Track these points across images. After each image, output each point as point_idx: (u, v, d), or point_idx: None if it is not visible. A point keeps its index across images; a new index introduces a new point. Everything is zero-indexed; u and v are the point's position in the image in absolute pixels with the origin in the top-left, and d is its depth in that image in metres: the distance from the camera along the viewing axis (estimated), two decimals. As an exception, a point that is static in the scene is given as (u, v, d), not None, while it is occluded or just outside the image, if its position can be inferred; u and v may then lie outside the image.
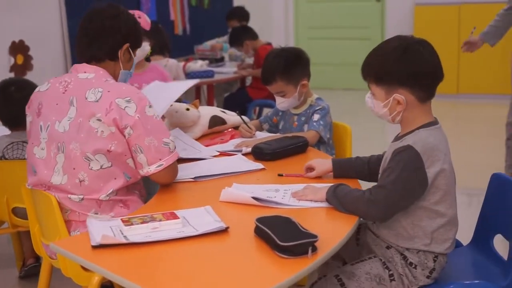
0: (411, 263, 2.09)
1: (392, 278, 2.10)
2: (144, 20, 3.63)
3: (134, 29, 2.47)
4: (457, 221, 2.16)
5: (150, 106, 2.30)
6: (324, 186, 2.15)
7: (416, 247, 2.09)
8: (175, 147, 2.35)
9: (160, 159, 2.29)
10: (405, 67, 2.06)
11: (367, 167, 2.37)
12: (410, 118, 2.12)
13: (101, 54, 2.38)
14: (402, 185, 2.01)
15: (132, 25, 2.46)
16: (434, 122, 2.14)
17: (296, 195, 2.18)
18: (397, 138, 2.16)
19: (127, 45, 2.42)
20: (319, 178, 2.41)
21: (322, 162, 2.44)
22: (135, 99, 2.26)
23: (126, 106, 2.24)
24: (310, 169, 2.44)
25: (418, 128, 2.10)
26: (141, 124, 2.25)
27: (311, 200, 2.13)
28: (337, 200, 2.06)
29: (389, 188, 2.01)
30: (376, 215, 2.08)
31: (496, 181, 2.38)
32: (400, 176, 2.01)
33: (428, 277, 2.10)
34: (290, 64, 3.06)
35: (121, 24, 2.40)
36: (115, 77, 2.41)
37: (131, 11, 3.58)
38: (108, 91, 2.26)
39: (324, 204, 2.11)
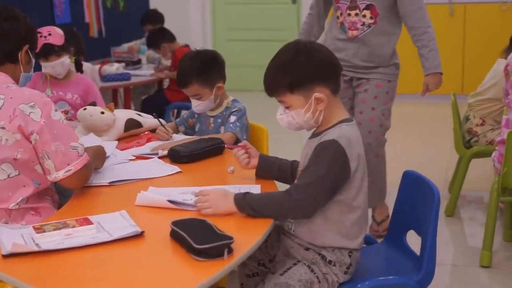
0: (330, 261, 2.12)
1: (318, 280, 2.12)
2: (56, 35, 3.56)
3: (32, 31, 2.41)
4: (367, 217, 2.20)
5: (56, 110, 2.25)
6: (224, 194, 2.08)
7: (330, 244, 2.11)
8: (84, 151, 2.29)
9: (68, 164, 2.23)
10: (313, 64, 2.10)
11: (289, 170, 2.38)
12: (329, 114, 2.15)
13: (1, 57, 2.31)
14: (331, 180, 2.04)
15: (30, 27, 2.39)
16: (350, 118, 2.18)
17: (199, 201, 2.08)
18: (315, 134, 2.18)
19: (26, 46, 2.35)
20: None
21: (255, 150, 2.45)
22: (39, 104, 2.20)
23: (30, 112, 2.18)
24: (250, 153, 2.42)
25: (339, 123, 2.13)
26: (47, 129, 2.19)
27: (213, 215, 2.02)
28: (251, 209, 2.02)
29: (317, 184, 2.02)
30: (305, 213, 2.08)
31: (407, 178, 2.45)
32: (329, 171, 2.02)
33: (345, 273, 2.14)
34: (206, 67, 3.05)
35: (20, 25, 2.32)
36: (16, 80, 2.34)
37: (43, 28, 3.52)
38: (11, 98, 2.19)
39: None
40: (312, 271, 2.12)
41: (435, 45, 3.54)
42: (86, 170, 2.31)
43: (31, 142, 2.19)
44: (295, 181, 2.18)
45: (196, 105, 3.09)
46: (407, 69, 7.37)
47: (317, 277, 2.11)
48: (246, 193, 2.06)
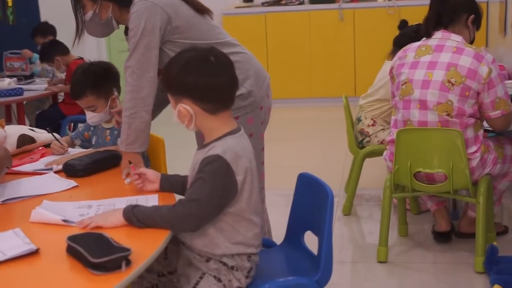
0: (232, 267, 2.14)
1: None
2: None
3: None
4: (260, 222, 2.21)
5: None
6: (113, 210, 2.09)
7: (228, 252, 2.13)
8: None
9: None
10: (184, 79, 2.07)
11: None
12: (207, 128, 2.14)
13: None
14: (216, 197, 2.03)
15: None
16: (238, 129, 2.17)
17: (82, 223, 2.02)
18: (203, 146, 2.17)
19: None
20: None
21: (155, 174, 2.39)
22: None
23: None
24: (146, 179, 2.37)
25: (224, 135, 2.12)
26: None
27: (102, 227, 2.00)
28: (139, 221, 2.00)
29: (203, 201, 2.01)
30: (190, 227, 2.08)
31: (302, 180, 2.51)
32: (213, 188, 2.02)
33: (247, 277, 2.16)
34: (99, 79, 3.03)
35: None
36: None
37: None
38: None
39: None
40: (219, 280, 2.13)
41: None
42: None
43: None
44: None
45: (91, 117, 3.06)
46: (297, 74, 7.59)
47: (224, 285, 2.13)
48: (135, 206, 2.04)
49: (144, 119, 2.65)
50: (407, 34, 4.19)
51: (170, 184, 2.37)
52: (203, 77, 2.07)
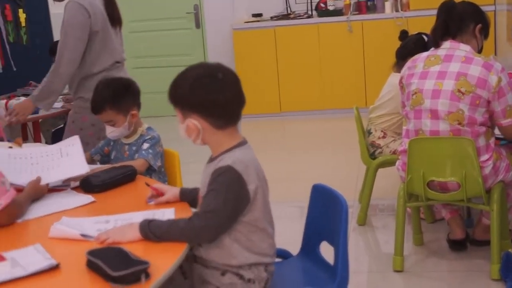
0: (249, 280, 2.15)
1: None
2: None
3: None
4: (273, 232, 2.24)
5: None
6: (129, 224, 2.10)
7: (245, 262, 2.14)
8: (10, 186, 2.29)
9: None
10: (195, 95, 2.10)
11: None
12: (214, 142, 2.18)
13: None
14: (230, 207, 2.06)
15: None
16: (244, 142, 2.20)
17: (99, 239, 2.05)
18: (211, 160, 2.20)
19: None
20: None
21: (170, 187, 2.46)
22: None
23: None
24: (160, 193, 2.41)
25: (232, 148, 2.15)
26: None
27: (119, 242, 2.01)
28: (155, 236, 2.02)
29: (218, 212, 2.04)
30: (208, 239, 2.11)
31: (316, 191, 2.53)
32: (226, 198, 2.05)
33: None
34: (119, 94, 3.10)
35: None
36: None
37: None
38: None
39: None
40: None
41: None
42: (15, 205, 2.30)
43: None
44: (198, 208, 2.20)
45: (110, 132, 3.12)
46: (307, 86, 7.62)
47: None
48: (151, 221, 2.06)
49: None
50: (407, 46, 4.23)
51: (188, 198, 2.40)
52: (212, 94, 2.10)
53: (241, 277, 2.15)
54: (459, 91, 3.23)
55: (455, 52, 3.33)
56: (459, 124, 3.24)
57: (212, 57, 8.09)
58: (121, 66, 3.91)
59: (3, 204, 2.24)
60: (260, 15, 7.93)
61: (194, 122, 2.12)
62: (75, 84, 3.81)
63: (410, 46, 4.14)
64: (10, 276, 1.80)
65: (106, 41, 3.77)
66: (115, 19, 3.84)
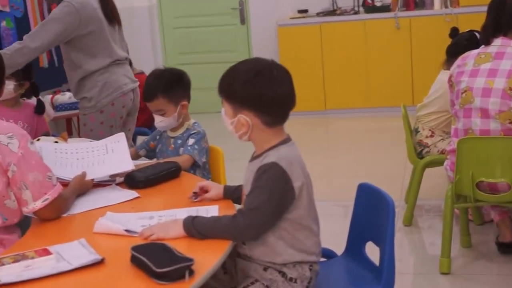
0: (291, 279, 2.13)
1: None
2: None
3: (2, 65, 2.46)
4: (318, 231, 2.21)
5: (32, 142, 2.30)
6: (173, 221, 2.10)
7: (290, 260, 2.12)
8: (57, 181, 2.33)
9: (45, 193, 2.26)
10: (250, 91, 2.09)
11: None
12: (260, 139, 2.16)
13: None
14: (275, 203, 2.05)
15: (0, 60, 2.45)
16: (288, 139, 2.18)
17: (143, 235, 2.06)
18: (254, 157, 2.19)
19: None
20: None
21: (215, 184, 2.46)
22: (17, 135, 2.24)
23: (8, 143, 2.21)
24: (204, 190, 2.42)
25: (277, 145, 2.13)
26: (24, 160, 2.22)
27: (163, 239, 2.01)
28: (199, 233, 2.02)
29: (262, 209, 2.03)
30: (252, 236, 2.10)
31: (362, 190, 2.49)
32: (271, 195, 2.03)
33: (307, 287, 2.15)
34: (172, 83, 3.12)
35: None
36: None
37: None
38: None
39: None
40: None
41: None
42: (61, 200, 2.33)
43: (7, 175, 2.21)
44: (242, 206, 2.18)
45: (159, 121, 3.13)
46: (353, 83, 7.55)
47: None
48: (195, 217, 2.06)
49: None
50: (459, 43, 4.13)
51: (232, 195, 2.40)
52: (269, 90, 2.09)
53: (283, 274, 2.13)
54: (510, 89, 3.15)
55: (507, 50, 3.26)
56: (511, 123, 3.16)
57: (257, 54, 8.06)
58: (121, 64, 3.90)
59: (50, 198, 2.27)
60: (305, 11, 7.87)
61: (246, 118, 2.11)
62: (74, 86, 3.81)
63: (463, 43, 4.04)
64: (55, 270, 1.81)
65: (102, 40, 3.78)
66: (112, 18, 3.85)
